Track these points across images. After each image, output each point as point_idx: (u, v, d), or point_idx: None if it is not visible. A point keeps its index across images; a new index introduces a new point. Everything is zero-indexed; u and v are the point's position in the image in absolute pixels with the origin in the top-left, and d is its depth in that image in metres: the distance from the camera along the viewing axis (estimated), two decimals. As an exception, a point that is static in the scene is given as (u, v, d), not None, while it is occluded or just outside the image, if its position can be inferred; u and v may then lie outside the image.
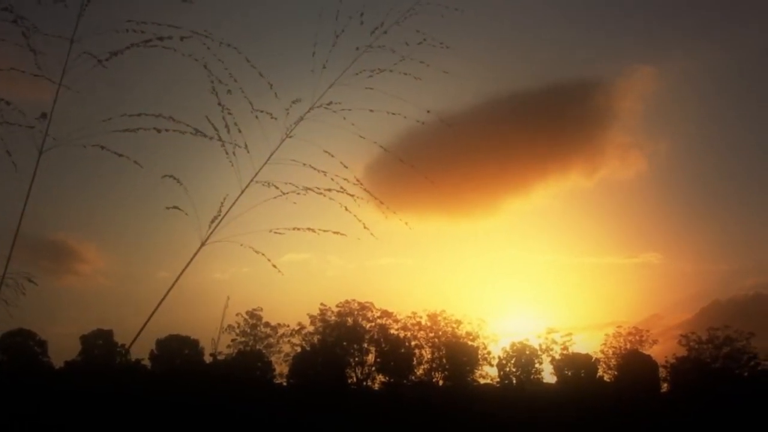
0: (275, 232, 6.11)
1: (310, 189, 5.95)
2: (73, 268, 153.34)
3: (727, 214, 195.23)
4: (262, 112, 5.93)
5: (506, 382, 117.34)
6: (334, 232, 6.25)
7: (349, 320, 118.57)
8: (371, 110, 6.15)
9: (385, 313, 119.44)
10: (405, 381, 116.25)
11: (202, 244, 5.71)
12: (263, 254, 6.17)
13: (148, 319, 5.76)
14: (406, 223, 6.42)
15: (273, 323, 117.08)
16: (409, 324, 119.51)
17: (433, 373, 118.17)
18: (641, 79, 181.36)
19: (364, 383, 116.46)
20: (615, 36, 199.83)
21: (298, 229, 6.12)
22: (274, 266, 6.40)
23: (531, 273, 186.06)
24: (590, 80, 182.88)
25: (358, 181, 5.99)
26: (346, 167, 6.00)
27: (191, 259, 5.70)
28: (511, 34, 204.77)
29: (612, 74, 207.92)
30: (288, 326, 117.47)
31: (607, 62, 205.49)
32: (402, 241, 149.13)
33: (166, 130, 5.51)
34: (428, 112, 6.40)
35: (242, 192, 5.83)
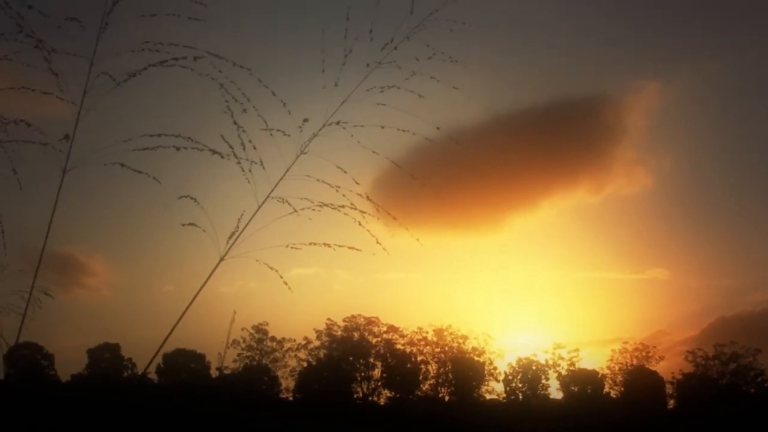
0: (292, 247, 6.19)
1: (325, 205, 6.04)
2: (80, 281, 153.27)
3: (733, 230, 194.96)
4: (276, 130, 6.03)
5: (512, 397, 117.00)
6: (349, 247, 6.29)
7: (356, 335, 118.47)
8: (382, 127, 6.25)
9: (392, 328, 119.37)
10: (411, 396, 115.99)
11: (221, 260, 5.79)
12: (276, 270, 6.24)
13: (165, 339, 5.83)
14: (418, 240, 6.50)
15: (279, 337, 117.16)
16: (415, 339, 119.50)
17: (439, 388, 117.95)
18: (647, 95, 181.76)
19: (370, 398, 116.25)
20: (621, 52, 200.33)
21: (315, 244, 6.21)
22: (285, 283, 6.45)
23: (537, 288, 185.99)
24: (596, 96, 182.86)
25: (368, 198, 6.08)
26: (358, 183, 6.08)
27: (210, 274, 5.78)
28: (518, 50, 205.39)
29: (618, 90, 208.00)
30: (294, 341, 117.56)
31: (612, 78, 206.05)
32: (409, 256, 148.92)
33: (185, 148, 5.63)
34: (438, 128, 6.48)
35: (259, 208, 5.91)
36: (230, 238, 5.85)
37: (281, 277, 6.33)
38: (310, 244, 6.15)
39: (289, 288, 6.46)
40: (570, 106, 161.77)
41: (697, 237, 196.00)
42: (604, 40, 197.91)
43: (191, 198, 5.90)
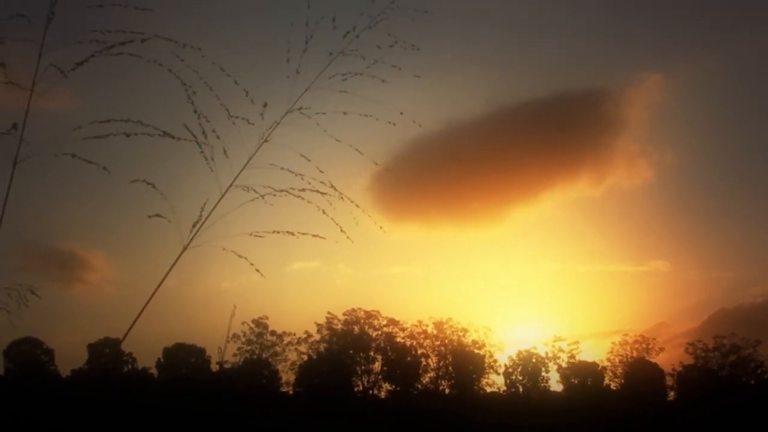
0: (255, 236, 6.19)
1: (285, 190, 6.06)
2: (81, 276, 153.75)
3: (734, 223, 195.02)
4: (238, 118, 6.03)
5: (513, 390, 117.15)
6: (313, 235, 6.34)
7: (356, 328, 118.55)
8: (345, 113, 6.28)
9: (392, 322, 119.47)
10: (411, 389, 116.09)
11: (184, 249, 5.80)
12: (246, 258, 6.25)
13: (139, 315, 5.84)
14: (381, 227, 6.53)
15: (279, 332, 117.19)
16: (415, 332, 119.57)
17: (439, 381, 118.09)
18: (649, 87, 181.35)
19: (371, 391, 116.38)
20: (622, 45, 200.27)
21: (278, 232, 6.23)
22: (258, 270, 6.45)
23: (538, 281, 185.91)
24: (597, 89, 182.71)
25: (331, 185, 6.10)
26: (322, 171, 6.10)
27: (173, 264, 5.80)
28: (520, 43, 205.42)
29: (619, 83, 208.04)
30: (294, 334, 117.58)
31: (614, 71, 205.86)
32: (410, 249, 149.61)
33: (135, 134, 5.63)
34: (401, 113, 6.50)
35: (222, 196, 5.92)
36: (194, 226, 5.86)
37: (252, 264, 6.36)
38: (274, 232, 6.18)
39: (262, 275, 6.47)
40: (571, 99, 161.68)
41: (699, 229, 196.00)
42: (605, 32, 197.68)
43: (148, 183, 5.90)
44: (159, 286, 5.82)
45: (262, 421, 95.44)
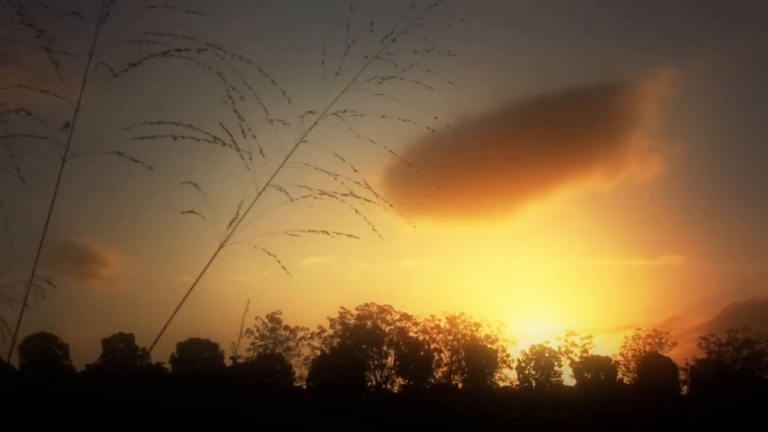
0: (291, 235, 6.27)
1: (324, 193, 6.13)
2: (95, 271, 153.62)
3: (747, 217, 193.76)
4: (276, 120, 6.11)
5: (526, 384, 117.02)
6: (348, 235, 6.40)
7: (369, 323, 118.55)
8: (383, 116, 6.35)
9: (405, 316, 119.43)
10: (424, 384, 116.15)
11: (221, 246, 5.88)
12: (275, 256, 6.31)
13: (169, 321, 5.93)
14: (414, 227, 6.61)
15: (292, 326, 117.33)
16: (428, 327, 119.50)
17: (452, 376, 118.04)
18: (661, 82, 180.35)
19: (384, 386, 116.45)
20: (634, 39, 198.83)
21: (313, 231, 6.30)
22: (284, 268, 6.50)
23: (551, 275, 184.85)
24: (610, 83, 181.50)
25: (367, 184, 6.17)
26: (357, 171, 6.17)
27: (210, 260, 5.88)
28: (531, 38, 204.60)
29: (631, 77, 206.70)
30: (307, 329, 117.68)
31: (626, 65, 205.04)
32: (423, 244, 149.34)
33: (182, 137, 5.72)
34: (436, 118, 6.56)
35: (258, 195, 6.00)
36: (230, 224, 5.94)
37: (279, 262, 6.42)
38: (309, 231, 6.24)
39: (288, 273, 6.54)
40: (583, 94, 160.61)
41: (711, 224, 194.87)
42: (618, 26, 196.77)
43: (193, 184, 6.00)
44: (194, 284, 5.92)
45: (275, 417, 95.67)
